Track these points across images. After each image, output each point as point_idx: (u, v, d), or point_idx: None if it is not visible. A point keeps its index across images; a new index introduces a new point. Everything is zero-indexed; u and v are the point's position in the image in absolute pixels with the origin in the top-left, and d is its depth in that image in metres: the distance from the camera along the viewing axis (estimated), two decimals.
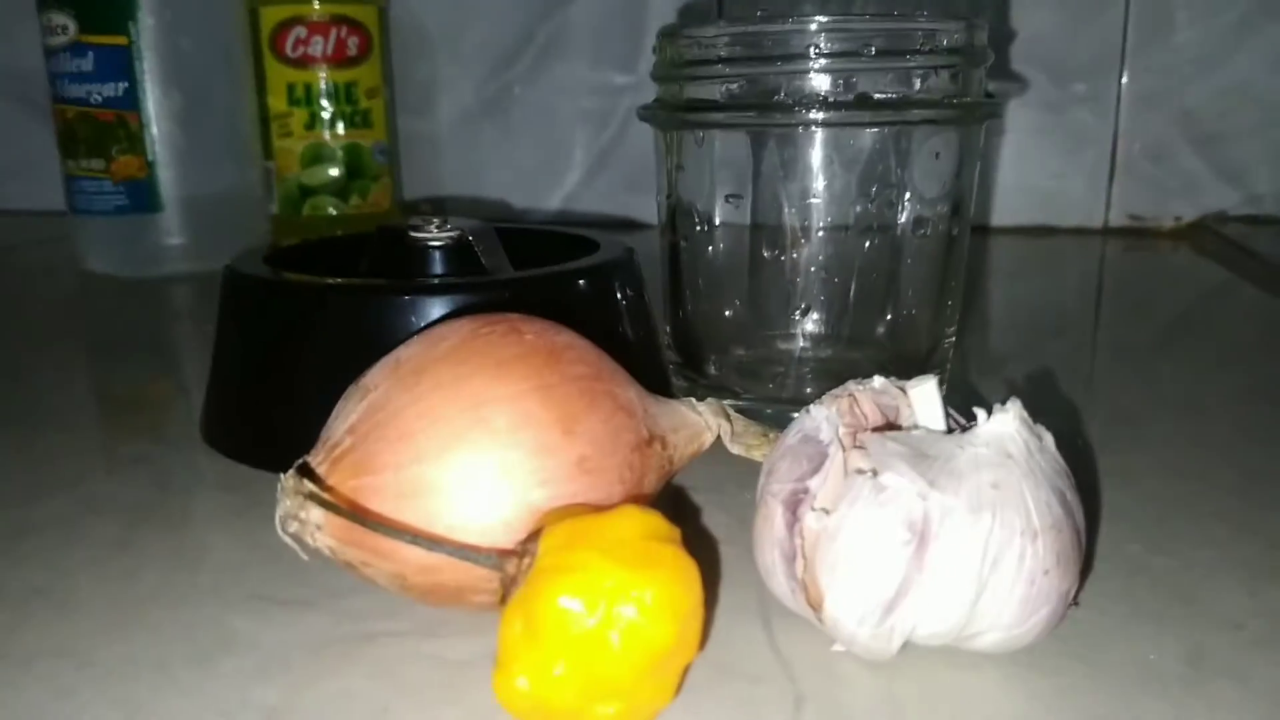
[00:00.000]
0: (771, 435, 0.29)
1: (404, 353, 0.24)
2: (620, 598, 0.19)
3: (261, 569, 0.27)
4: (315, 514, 0.22)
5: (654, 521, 0.20)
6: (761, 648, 0.23)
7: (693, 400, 0.28)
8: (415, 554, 0.22)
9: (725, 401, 0.30)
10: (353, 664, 0.23)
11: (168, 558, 0.28)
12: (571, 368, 0.24)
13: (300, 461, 0.23)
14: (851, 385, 0.25)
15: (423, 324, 0.32)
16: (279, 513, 0.22)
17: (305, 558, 0.23)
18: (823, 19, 0.33)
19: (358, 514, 0.22)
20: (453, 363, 0.23)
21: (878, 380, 0.25)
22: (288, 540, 0.22)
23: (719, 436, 0.28)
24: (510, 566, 0.20)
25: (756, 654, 0.23)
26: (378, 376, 0.24)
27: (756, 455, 0.28)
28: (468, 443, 0.22)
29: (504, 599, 0.20)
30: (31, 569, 0.27)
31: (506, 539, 0.22)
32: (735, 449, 0.29)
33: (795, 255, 0.35)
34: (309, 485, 0.22)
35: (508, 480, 0.22)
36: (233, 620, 0.25)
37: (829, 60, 0.33)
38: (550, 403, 0.23)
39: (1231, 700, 0.21)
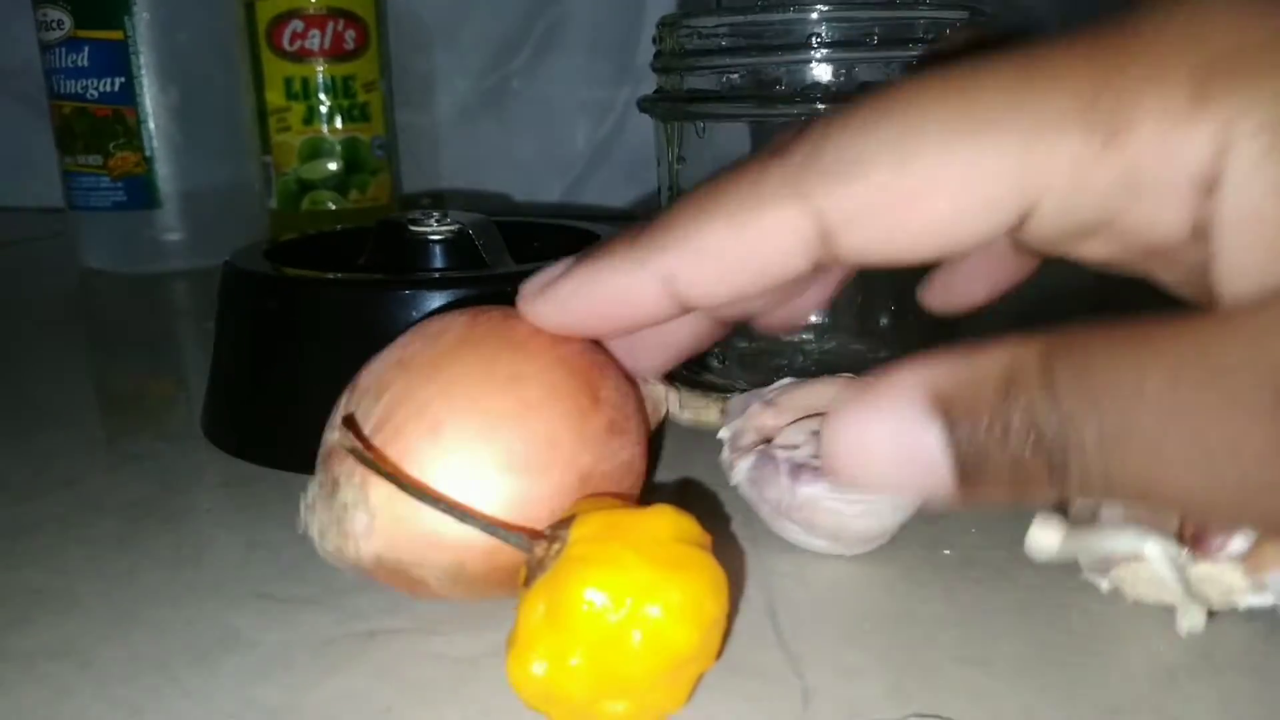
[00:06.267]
0: (714, 398, 0.30)
1: (404, 352, 0.23)
2: (647, 597, 0.18)
3: (262, 567, 0.27)
4: (360, 522, 0.21)
5: (688, 525, 0.20)
6: (769, 643, 0.23)
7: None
8: (478, 538, 0.21)
9: (726, 395, 0.30)
10: (355, 662, 0.23)
11: (168, 555, 0.28)
12: (576, 342, 0.24)
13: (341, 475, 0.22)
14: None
15: (424, 318, 0.31)
16: (315, 528, 0.21)
17: (347, 574, 0.22)
18: (824, 8, 0.33)
19: (405, 480, 0.21)
20: (468, 348, 0.23)
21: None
22: (326, 556, 0.22)
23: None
24: (539, 549, 0.20)
25: (764, 649, 0.23)
26: (386, 376, 0.23)
27: (705, 418, 0.29)
28: (512, 420, 0.22)
29: (527, 581, 0.20)
30: (31, 568, 0.27)
31: (563, 503, 0.22)
32: (686, 415, 0.29)
33: None
34: (354, 441, 0.21)
35: (555, 450, 0.22)
36: (234, 619, 0.24)
37: (830, 50, 0.33)
38: (574, 373, 0.23)
39: (1243, 691, 0.21)
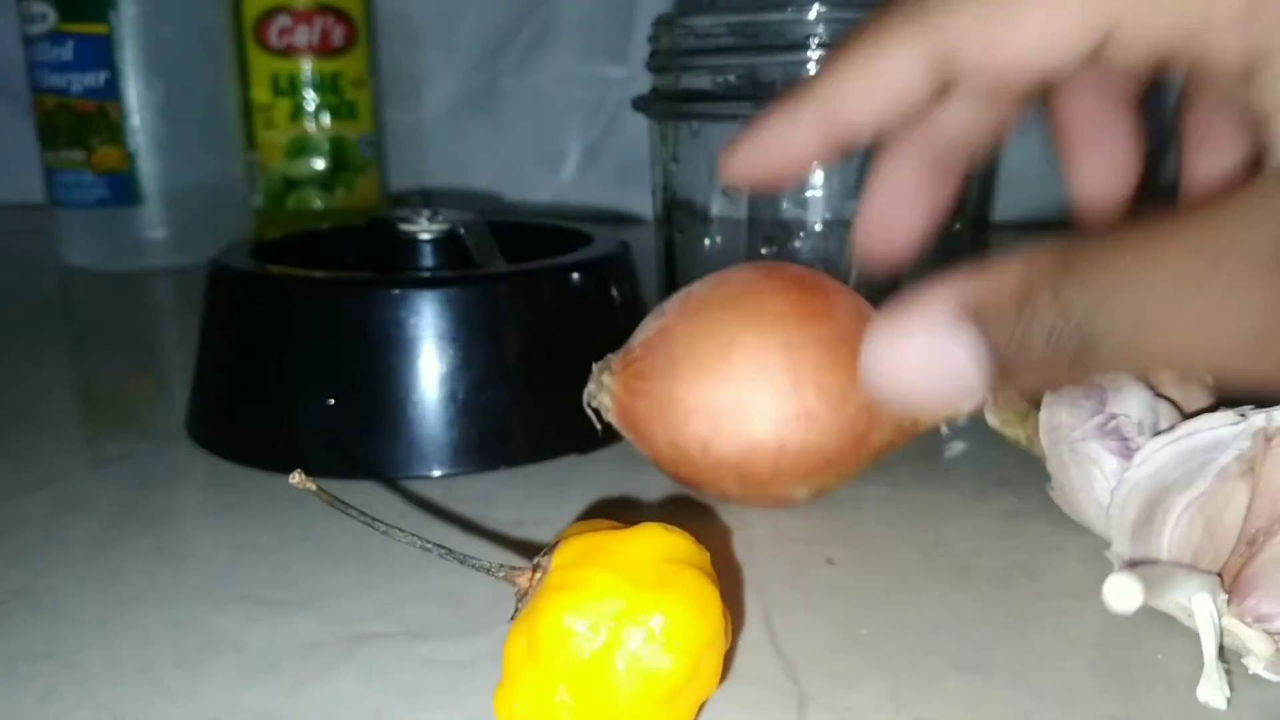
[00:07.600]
0: (1030, 417, 0.29)
1: (695, 288, 0.29)
2: (627, 622, 0.17)
3: (248, 569, 0.26)
4: (607, 399, 0.28)
5: (677, 542, 0.19)
6: (764, 648, 0.23)
7: None
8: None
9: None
10: (343, 666, 0.22)
11: (152, 557, 0.27)
12: (819, 328, 0.27)
13: (614, 355, 0.29)
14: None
15: (413, 318, 0.31)
16: (590, 387, 0.29)
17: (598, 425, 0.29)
18: (821, 8, 0.33)
19: (350, 508, 0.20)
20: (722, 308, 0.27)
21: None
22: (589, 409, 0.29)
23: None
24: (523, 580, 0.19)
25: (758, 654, 0.23)
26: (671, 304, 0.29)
27: (1009, 433, 0.29)
28: (714, 374, 0.27)
29: (515, 615, 0.19)
30: (11, 569, 0.27)
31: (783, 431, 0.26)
32: (992, 420, 0.29)
33: (792, 250, 0.35)
34: (308, 481, 0.20)
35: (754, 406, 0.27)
36: (220, 621, 0.24)
37: (827, 51, 0.33)
38: (790, 359, 0.26)
39: (1240, 699, 0.21)
